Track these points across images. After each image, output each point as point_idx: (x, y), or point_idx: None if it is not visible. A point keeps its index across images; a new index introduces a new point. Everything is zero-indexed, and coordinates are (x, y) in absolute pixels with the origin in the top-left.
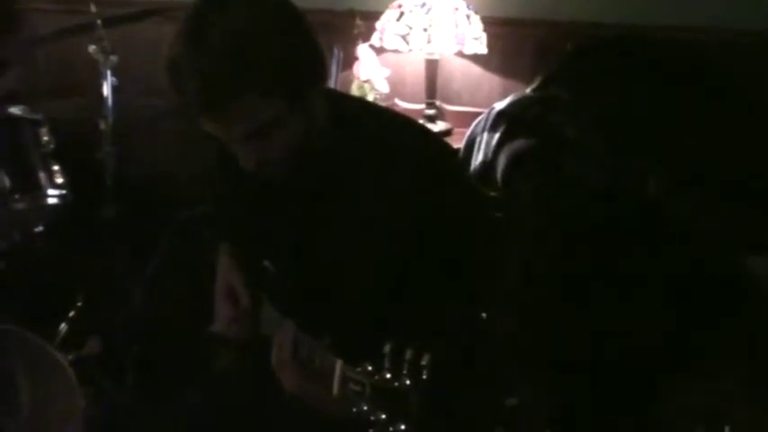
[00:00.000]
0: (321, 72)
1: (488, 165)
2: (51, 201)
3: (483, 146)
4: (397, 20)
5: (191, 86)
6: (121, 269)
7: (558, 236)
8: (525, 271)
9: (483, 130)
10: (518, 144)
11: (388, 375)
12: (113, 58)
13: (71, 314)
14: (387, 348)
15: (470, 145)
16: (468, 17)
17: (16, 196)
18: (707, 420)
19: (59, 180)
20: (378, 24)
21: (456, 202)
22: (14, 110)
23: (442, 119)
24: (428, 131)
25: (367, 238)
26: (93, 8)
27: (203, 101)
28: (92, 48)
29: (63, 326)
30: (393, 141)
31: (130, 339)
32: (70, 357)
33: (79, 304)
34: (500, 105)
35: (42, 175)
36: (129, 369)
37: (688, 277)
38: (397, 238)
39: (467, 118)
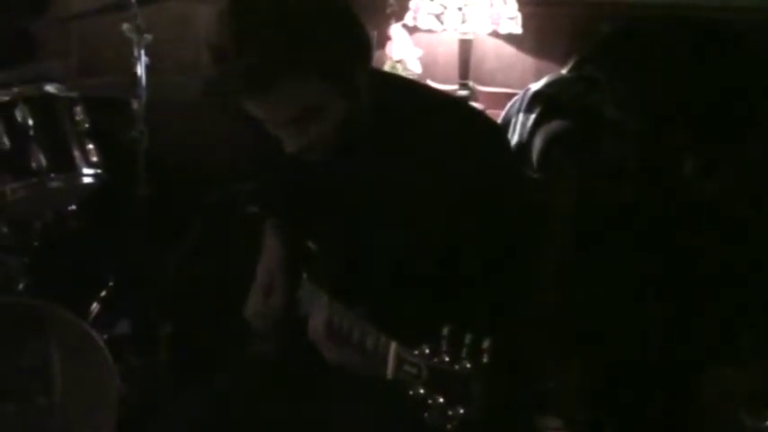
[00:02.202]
0: (366, 54)
1: (524, 146)
2: (85, 180)
3: (518, 127)
4: None
5: (235, 70)
6: (154, 249)
7: (599, 216)
8: (565, 253)
9: (518, 112)
10: (555, 125)
11: (447, 359)
12: (147, 36)
13: (103, 294)
14: (445, 331)
15: (505, 126)
16: None
17: (51, 175)
18: (750, 406)
19: (94, 159)
20: (411, 3)
21: (500, 180)
22: (50, 88)
23: (475, 100)
24: (475, 110)
25: (409, 216)
26: None
27: (248, 85)
28: (125, 26)
29: (95, 305)
30: (437, 121)
31: (163, 318)
32: (105, 336)
33: (111, 284)
34: (536, 86)
35: (77, 154)
36: (161, 348)
37: (723, 260)
38: (441, 217)
39: (500, 99)
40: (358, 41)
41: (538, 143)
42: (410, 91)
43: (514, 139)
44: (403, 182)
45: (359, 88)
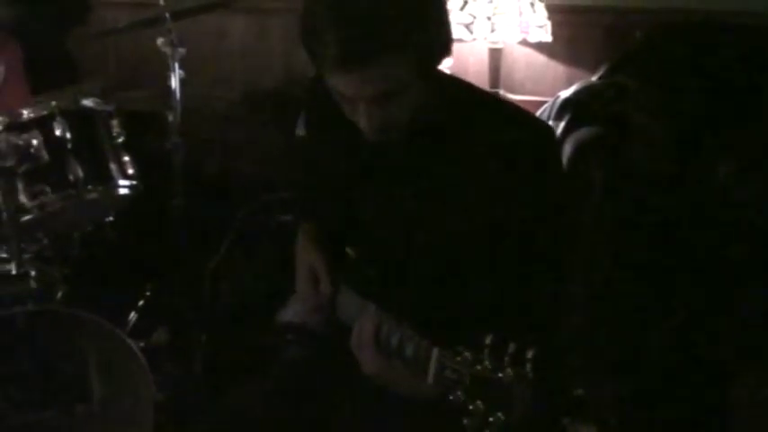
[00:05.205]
0: (450, 43)
1: None
2: (122, 191)
3: None
4: (461, 9)
5: (333, 41)
6: (190, 259)
7: (629, 223)
8: (596, 259)
9: (548, 119)
10: (584, 132)
11: (489, 366)
12: (181, 50)
13: (140, 303)
14: (488, 340)
15: None
16: (532, 5)
17: (89, 187)
18: None
19: (130, 171)
20: None
21: (554, 186)
22: (87, 102)
23: None
24: (529, 115)
25: (459, 218)
26: (161, 1)
27: (344, 56)
28: (160, 40)
29: (133, 315)
30: (497, 122)
31: (200, 326)
32: (141, 345)
33: (148, 293)
34: (565, 93)
35: (114, 167)
36: (197, 356)
37: (754, 264)
38: (490, 220)
39: (530, 107)
40: (447, 29)
41: (567, 150)
42: (468, 89)
43: None
44: (456, 179)
45: (435, 77)
